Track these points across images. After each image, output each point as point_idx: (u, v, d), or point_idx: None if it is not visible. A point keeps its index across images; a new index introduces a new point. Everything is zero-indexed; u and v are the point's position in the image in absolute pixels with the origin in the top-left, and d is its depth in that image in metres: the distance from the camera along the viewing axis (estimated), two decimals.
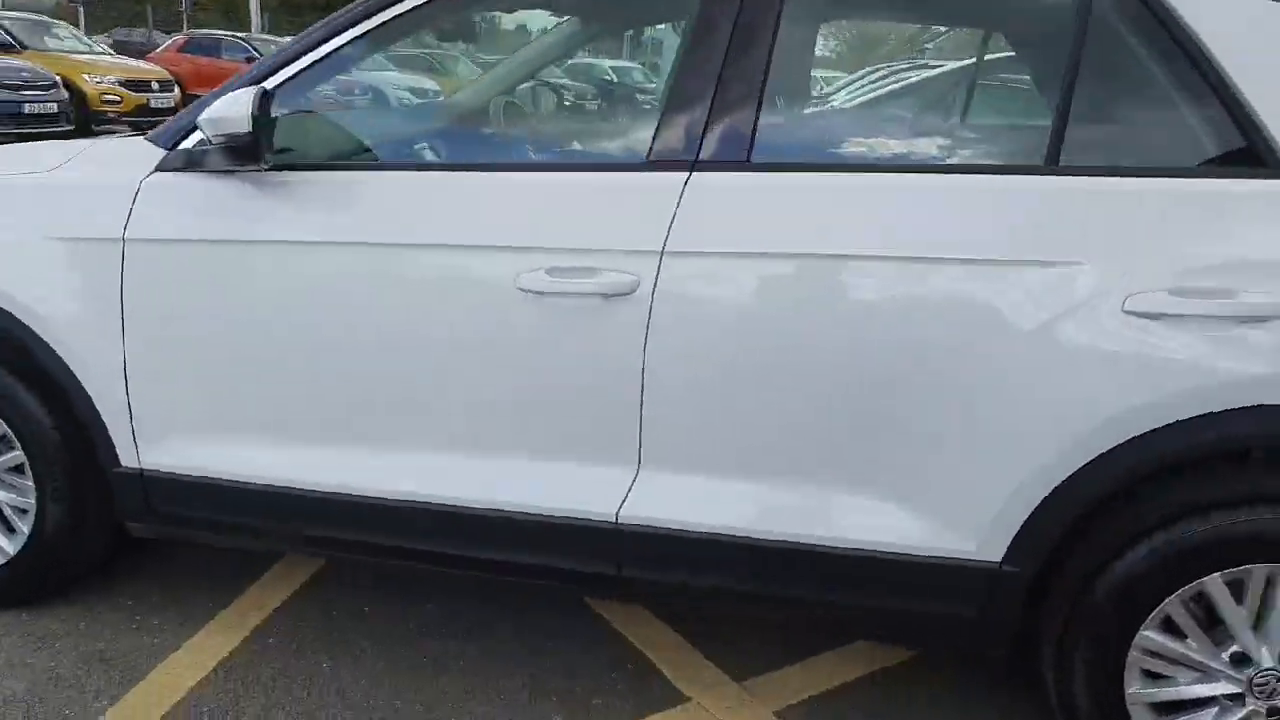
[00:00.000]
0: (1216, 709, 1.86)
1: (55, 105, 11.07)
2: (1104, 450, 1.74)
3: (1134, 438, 1.73)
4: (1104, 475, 1.76)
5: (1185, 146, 1.80)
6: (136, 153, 2.16)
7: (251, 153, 1.96)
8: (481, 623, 2.49)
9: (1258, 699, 1.83)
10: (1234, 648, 1.82)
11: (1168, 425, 1.71)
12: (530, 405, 1.98)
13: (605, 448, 1.96)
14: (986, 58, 2.02)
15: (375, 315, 2.01)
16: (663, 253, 1.86)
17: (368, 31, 2.05)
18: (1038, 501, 1.79)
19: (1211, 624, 1.82)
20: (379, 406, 2.06)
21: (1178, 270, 1.70)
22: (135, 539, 2.40)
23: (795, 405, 1.87)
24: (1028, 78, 1.92)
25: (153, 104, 12.88)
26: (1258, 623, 1.80)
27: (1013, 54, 1.98)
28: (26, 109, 10.74)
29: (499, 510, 2.04)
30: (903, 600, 1.93)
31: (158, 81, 13.44)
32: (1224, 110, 1.74)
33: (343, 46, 2.07)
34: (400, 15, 2.03)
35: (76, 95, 11.84)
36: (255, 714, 2.12)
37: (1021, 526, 1.81)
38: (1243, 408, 1.69)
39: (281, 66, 2.09)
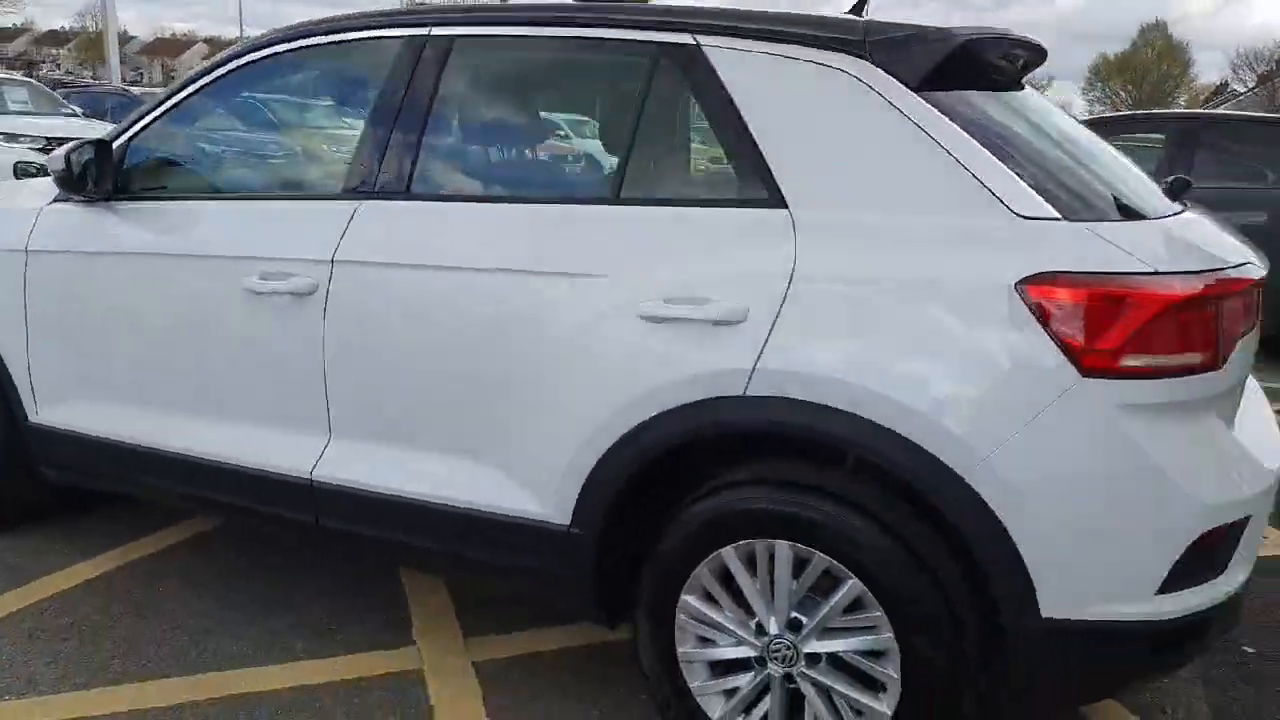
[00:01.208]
0: (752, 671, 2.11)
1: None
2: (625, 431, 2.07)
3: (646, 420, 2.05)
4: (629, 455, 2.08)
5: (719, 188, 2.13)
6: (45, 188, 2.95)
7: (80, 188, 2.68)
8: (307, 573, 3.05)
9: (776, 664, 2.07)
10: (791, 615, 2.05)
11: (668, 411, 2.03)
12: (256, 381, 2.55)
13: (305, 418, 2.49)
14: (585, 114, 2.42)
15: (161, 306, 2.66)
16: (333, 261, 2.38)
17: (188, 95, 2.74)
18: (587, 475, 2.14)
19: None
20: (163, 378, 2.70)
21: (673, 282, 2.03)
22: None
23: (418, 386, 2.33)
24: (612, 128, 2.29)
25: None
26: (770, 593, 2.05)
27: (601, 109, 2.36)
28: None
29: (241, 466, 2.59)
30: (507, 555, 2.31)
31: None
32: (750, 162, 2.06)
33: (174, 106, 2.77)
34: (202, 87, 2.71)
35: None
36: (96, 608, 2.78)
37: (579, 496, 2.16)
38: (723, 397, 1.98)
39: (133, 123, 2.81)
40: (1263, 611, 3.11)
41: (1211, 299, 1.80)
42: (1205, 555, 1.84)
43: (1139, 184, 2.28)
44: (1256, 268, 2.00)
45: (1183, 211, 2.20)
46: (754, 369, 1.94)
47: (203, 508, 2.90)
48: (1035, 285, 1.79)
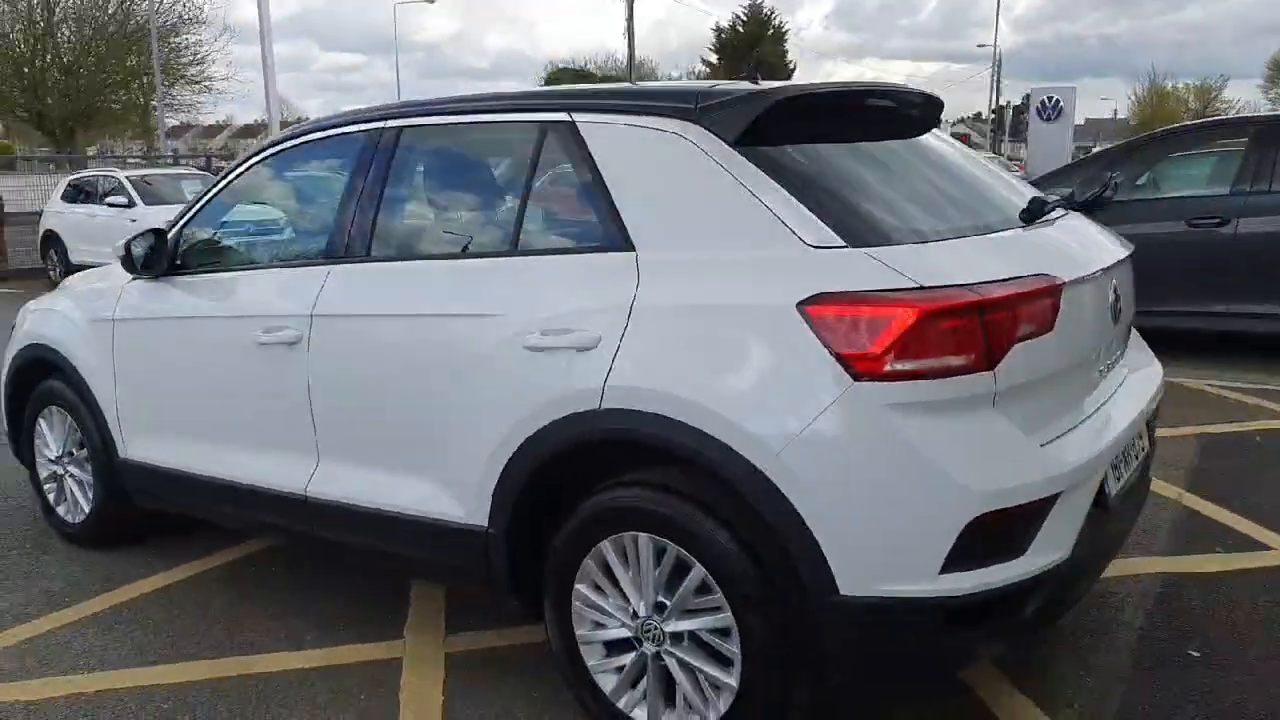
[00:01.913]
0: (634, 651, 2.43)
1: None
2: (520, 444, 2.47)
3: (533, 434, 2.44)
4: (524, 464, 2.47)
5: (587, 237, 2.51)
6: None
7: (150, 267, 3.35)
8: (330, 581, 3.58)
9: (649, 643, 2.39)
10: (657, 599, 2.37)
11: (549, 425, 2.41)
12: (267, 416, 3.10)
13: (301, 445, 3.01)
14: (497, 183, 2.86)
15: (200, 359, 3.27)
16: (311, 316, 2.92)
17: (220, 189, 3.38)
18: (495, 482, 2.54)
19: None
20: (204, 417, 3.30)
21: (545, 316, 2.43)
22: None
23: (374, 412, 2.80)
24: (514, 191, 2.72)
25: None
26: (639, 580, 2.38)
27: (507, 176, 2.78)
28: None
29: (261, 487, 3.14)
30: (444, 555, 2.73)
31: None
32: (607, 214, 2.44)
33: (211, 199, 3.42)
34: (227, 185, 3.34)
35: None
36: (162, 608, 3.39)
37: (491, 501, 2.56)
38: (584, 411, 2.35)
39: (184, 214, 3.48)
40: (1213, 617, 3.14)
41: (975, 308, 2.03)
42: (993, 537, 2.04)
43: (984, 206, 2.52)
44: (1050, 278, 2.20)
45: (1025, 227, 2.43)
46: (604, 387, 2.30)
47: (244, 525, 3.47)
48: (812, 305, 2.08)
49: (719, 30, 54.94)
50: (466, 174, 2.94)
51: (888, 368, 2.02)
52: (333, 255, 2.98)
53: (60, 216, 14.50)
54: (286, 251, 3.30)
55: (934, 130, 2.89)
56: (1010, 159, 39.27)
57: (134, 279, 3.53)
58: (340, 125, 3.10)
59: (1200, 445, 4.95)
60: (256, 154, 3.33)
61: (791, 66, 54.64)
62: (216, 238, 3.45)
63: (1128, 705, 2.66)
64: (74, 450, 3.91)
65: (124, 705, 2.80)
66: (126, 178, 13.84)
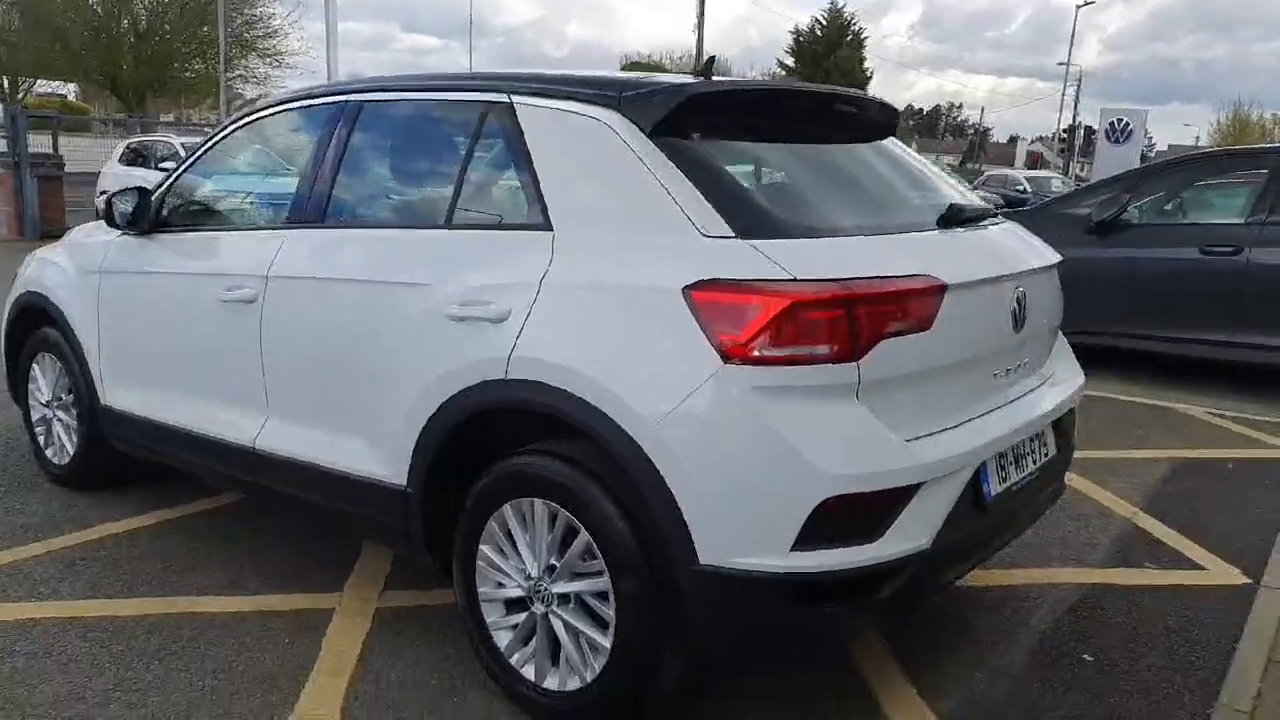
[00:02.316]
0: (527, 610, 2.56)
1: None
2: (435, 408, 2.60)
3: (447, 400, 2.57)
4: (438, 427, 2.61)
5: (513, 215, 2.64)
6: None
7: (134, 224, 3.55)
8: (286, 535, 3.75)
9: (539, 603, 2.51)
10: (549, 561, 2.49)
11: (461, 391, 2.54)
12: (226, 370, 3.27)
13: (252, 399, 3.18)
14: (440, 159, 2.98)
15: (171, 313, 3.46)
16: (267, 277, 3.08)
17: (202, 154, 3.57)
18: (414, 444, 2.68)
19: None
20: (172, 368, 3.49)
21: (466, 288, 2.56)
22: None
23: (316, 372, 2.96)
24: (453, 168, 2.84)
25: None
26: (533, 543, 2.50)
27: (449, 153, 2.90)
28: None
29: (218, 439, 3.32)
30: (370, 511, 2.88)
31: None
32: (533, 194, 2.56)
33: (194, 163, 3.61)
34: (205, 150, 3.53)
35: None
36: (125, 549, 3.59)
37: (410, 461, 2.70)
38: (491, 379, 2.47)
39: (168, 176, 3.67)
40: (1117, 628, 3.19)
41: (842, 302, 2.12)
42: (845, 520, 2.13)
43: (901, 209, 2.61)
44: (931, 279, 2.28)
45: (939, 230, 2.52)
46: (510, 357, 2.43)
47: (202, 474, 3.65)
48: (695, 289, 2.18)
49: (797, 33, 54.88)
50: (415, 149, 3.08)
51: (756, 352, 2.11)
52: (291, 220, 3.15)
53: (116, 179, 15.00)
54: (254, 215, 3.48)
55: (885, 137, 2.97)
56: (1078, 179, 38.73)
57: (121, 234, 3.73)
58: (311, 98, 3.27)
59: (1173, 468, 4.94)
60: (236, 121, 3.52)
61: (868, 74, 54.36)
62: (195, 199, 3.65)
63: (1008, 701, 2.73)
64: (63, 395, 4.13)
65: (63, 633, 2.98)
66: (181, 144, 14.28)
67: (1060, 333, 3.21)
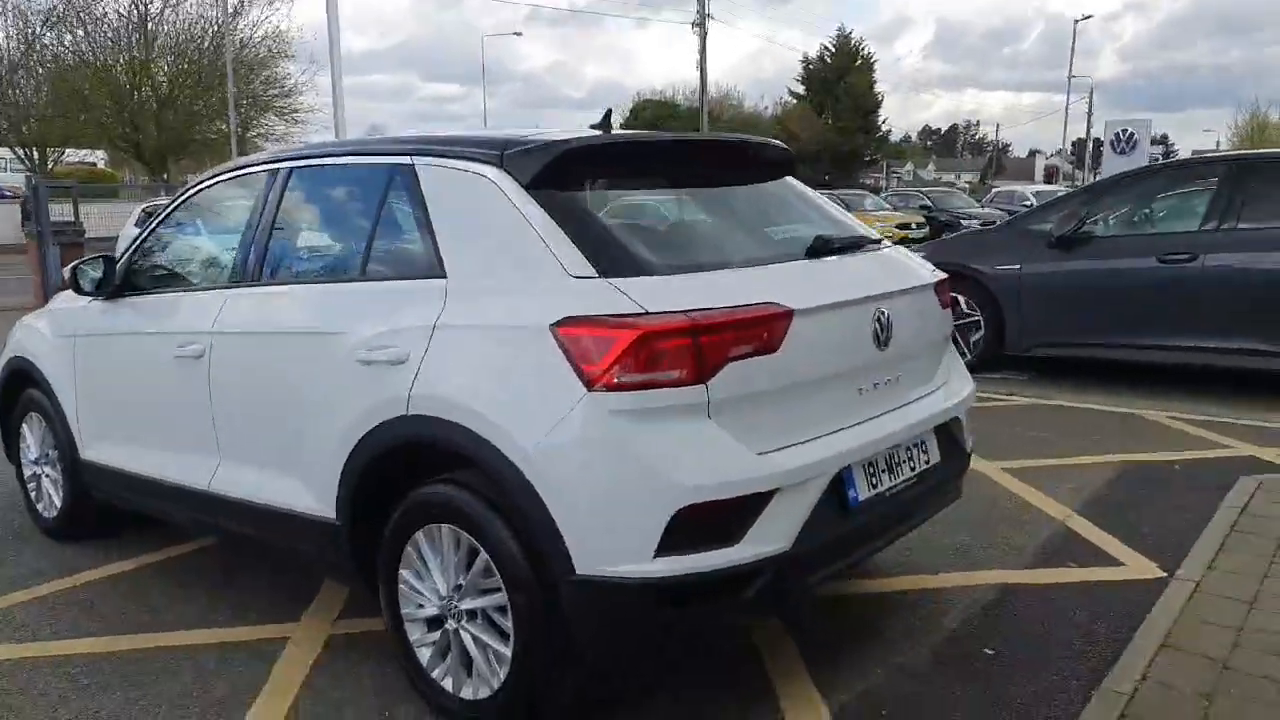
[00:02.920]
0: (442, 628, 2.78)
1: None
2: (354, 446, 2.85)
3: (362, 437, 2.82)
4: (357, 463, 2.86)
5: (414, 265, 2.89)
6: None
7: (101, 290, 3.86)
8: (256, 573, 4.01)
9: (451, 620, 2.74)
10: (457, 581, 2.72)
11: (373, 429, 2.79)
12: (183, 420, 3.55)
13: (206, 445, 3.45)
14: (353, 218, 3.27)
15: (133, 370, 3.76)
16: (212, 332, 3.36)
17: (160, 221, 3.88)
18: (338, 479, 2.93)
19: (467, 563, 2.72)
20: (136, 421, 3.78)
21: (373, 334, 2.82)
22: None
23: (255, 418, 3.23)
24: (366, 224, 3.12)
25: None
26: (442, 565, 2.73)
27: (362, 211, 3.18)
28: None
29: (181, 485, 3.59)
30: (310, 544, 3.12)
31: (914, 223, 22.74)
32: (431, 246, 2.83)
33: (153, 230, 3.92)
34: (171, 211, 3.84)
35: None
36: (104, 592, 3.86)
37: (337, 495, 2.95)
38: (395, 417, 2.72)
39: (132, 242, 3.98)
40: (1024, 623, 3.35)
41: (687, 331, 2.35)
42: (702, 527, 2.34)
43: (769, 243, 2.84)
44: (777, 306, 2.51)
45: (806, 259, 2.77)
46: (409, 396, 2.68)
47: (170, 518, 3.91)
48: (561, 325, 2.43)
49: (806, 62, 55.45)
50: (334, 208, 3.36)
51: (614, 380, 2.35)
52: (233, 279, 3.44)
53: (130, 241, 15.56)
54: (203, 276, 3.77)
55: (773, 176, 3.22)
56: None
57: (92, 300, 4.04)
58: (248, 166, 3.57)
59: (1119, 472, 5.08)
60: (187, 190, 3.84)
61: (879, 98, 54.83)
62: (153, 263, 3.95)
63: (903, 694, 2.90)
64: (49, 452, 4.43)
65: (37, 671, 3.24)
66: None
67: (950, 344, 3.41)
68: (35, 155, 38.15)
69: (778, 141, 3.37)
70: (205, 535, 4.14)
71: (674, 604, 2.37)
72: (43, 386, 4.30)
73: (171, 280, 3.90)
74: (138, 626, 3.57)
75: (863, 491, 2.70)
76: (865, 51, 55.11)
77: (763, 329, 2.47)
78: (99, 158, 46.92)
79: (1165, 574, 3.71)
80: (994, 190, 31.47)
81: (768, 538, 2.42)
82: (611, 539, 2.37)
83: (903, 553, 4.02)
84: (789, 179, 3.35)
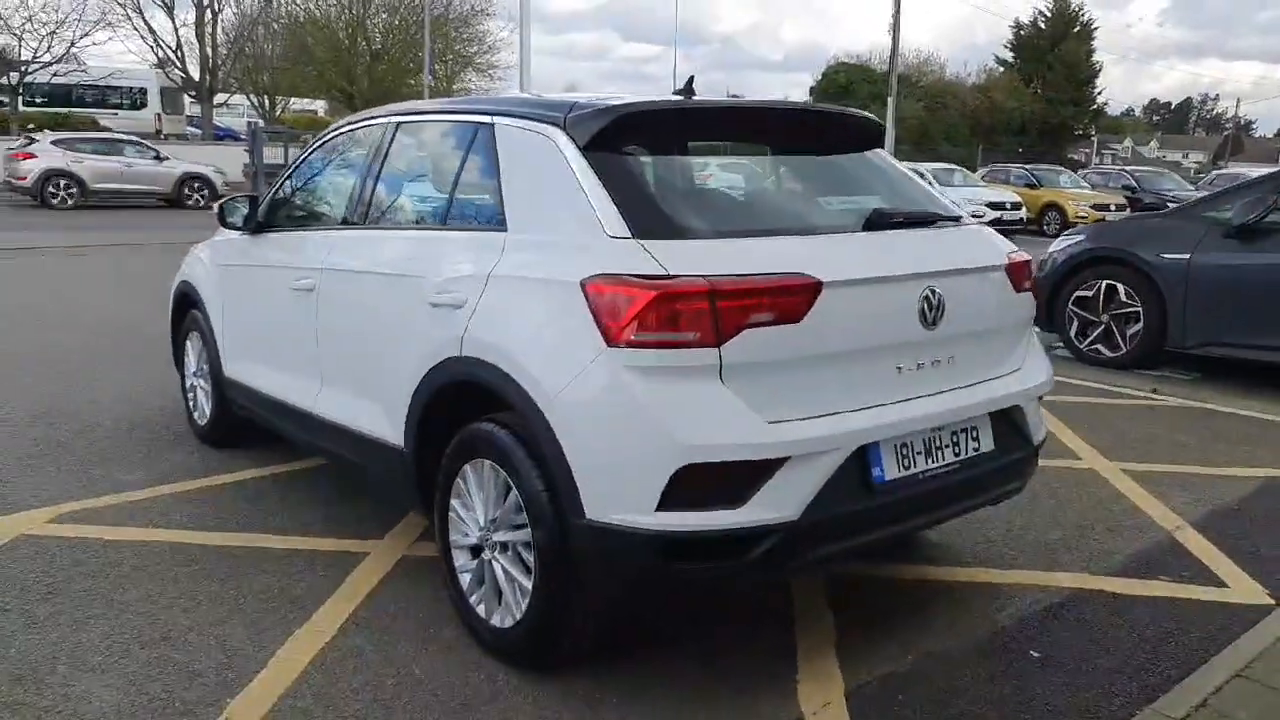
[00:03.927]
0: (480, 557, 2.97)
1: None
2: (420, 379, 3.07)
3: (427, 372, 3.03)
4: (422, 395, 3.08)
5: (484, 217, 3.05)
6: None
7: (243, 225, 4.28)
8: (357, 491, 4.37)
9: (488, 550, 2.92)
10: (493, 514, 2.91)
11: (435, 365, 2.99)
12: (294, 347, 3.91)
13: (312, 370, 3.79)
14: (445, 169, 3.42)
15: (261, 298, 4.15)
16: (321, 269, 3.68)
17: (294, 169, 4.25)
18: (406, 411, 3.16)
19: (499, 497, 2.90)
20: (260, 345, 4.18)
21: (443, 279, 3.01)
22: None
23: (351, 349, 3.52)
24: (451, 177, 3.28)
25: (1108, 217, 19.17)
26: (484, 498, 2.91)
27: (450, 165, 3.33)
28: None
29: (290, 404, 3.97)
30: (385, 468, 3.39)
31: (1114, 204, 21.95)
32: (498, 200, 2.99)
33: (289, 175, 4.29)
34: (302, 160, 4.19)
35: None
36: (235, 494, 4.33)
37: (404, 425, 3.19)
38: (451, 357, 2.91)
39: (273, 186, 4.37)
40: (1082, 630, 3.19)
41: (705, 294, 2.39)
42: (705, 487, 2.40)
43: (823, 214, 2.82)
44: (804, 277, 2.50)
45: (863, 232, 2.78)
46: (463, 337, 2.86)
47: (285, 433, 4.31)
48: (589, 282, 2.52)
49: (1018, 27, 52.28)
50: (429, 162, 3.57)
51: (631, 337, 2.43)
52: (343, 222, 3.74)
53: None
54: (323, 217, 4.10)
55: (846, 146, 3.17)
56: None
57: (239, 234, 4.48)
58: (369, 119, 3.85)
59: (1258, 488, 4.67)
60: (321, 137, 4.19)
61: (1097, 67, 51.13)
62: (285, 205, 4.33)
63: (924, 681, 2.85)
64: (204, 367, 4.97)
65: (160, 553, 3.69)
66: None
67: (1030, 329, 3.26)
68: (267, 103, 41.52)
69: (862, 113, 3.30)
70: (314, 453, 4.53)
71: (674, 558, 2.44)
72: (200, 308, 4.82)
73: (299, 220, 4.26)
74: (250, 526, 3.98)
75: (890, 471, 2.67)
76: (1085, 17, 51.18)
77: (786, 298, 2.47)
78: (320, 106, 50.60)
79: (1273, 602, 3.43)
80: (1215, 172, 28.65)
81: (774, 504, 2.45)
82: (618, 489, 2.46)
83: (980, 544, 3.90)
84: (876, 151, 3.28)
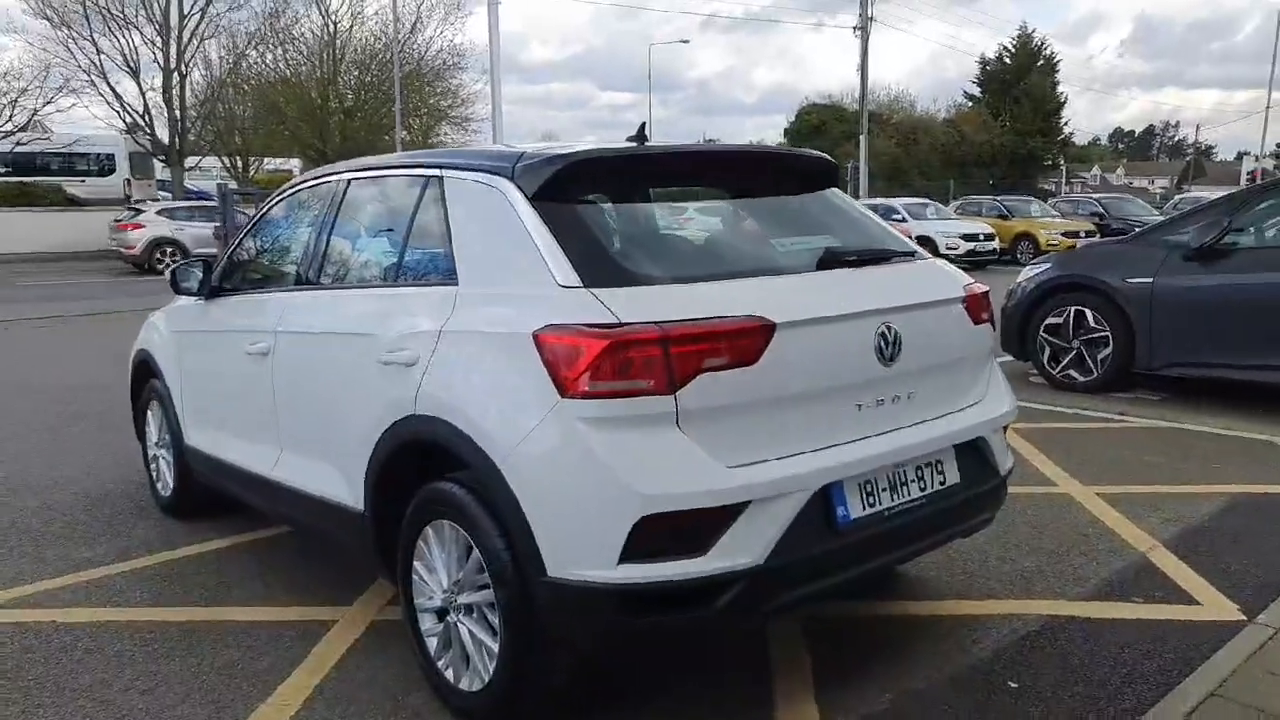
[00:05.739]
0: (445, 620, 2.91)
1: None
2: (375, 441, 3.02)
3: (382, 434, 2.98)
4: (379, 458, 3.02)
5: (435, 272, 3.03)
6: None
7: (201, 292, 4.24)
8: (323, 557, 4.29)
9: (453, 613, 2.86)
10: (457, 575, 2.85)
11: (390, 426, 2.95)
12: (252, 411, 3.85)
13: (270, 435, 3.73)
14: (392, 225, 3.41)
15: (215, 363, 4.10)
16: (275, 331, 3.63)
17: (246, 231, 4.22)
18: (363, 473, 3.11)
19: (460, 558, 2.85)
20: (217, 410, 4.12)
21: (395, 336, 2.97)
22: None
23: (306, 412, 3.47)
24: (399, 232, 3.27)
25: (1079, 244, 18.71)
26: (445, 559, 2.85)
27: (399, 219, 3.32)
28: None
29: (247, 470, 3.90)
30: (346, 532, 3.32)
31: (1083, 231, 22.00)
32: (449, 254, 2.96)
33: (241, 240, 4.26)
34: (255, 222, 4.17)
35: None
36: (197, 566, 4.23)
37: (363, 487, 3.13)
38: (407, 415, 2.87)
39: (228, 251, 4.34)
40: (1058, 657, 3.16)
41: (657, 341, 2.36)
42: (667, 537, 2.35)
43: (773, 254, 2.82)
44: (757, 319, 2.48)
45: (814, 272, 2.78)
46: (417, 396, 2.82)
47: (245, 501, 4.23)
48: (541, 333, 2.49)
49: (984, 62, 53.43)
50: (379, 218, 3.55)
51: (585, 388, 2.39)
52: (296, 283, 3.71)
53: None
54: (277, 279, 4.06)
55: (798, 187, 3.18)
56: None
57: (193, 300, 4.43)
58: (315, 179, 3.84)
59: (1228, 504, 4.67)
60: (269, 202, 4.16)
61: (1062, 99, 52.18)
62: (241, 266, 4.29)
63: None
64: (165, 436, 4.88)
65: (116, 633, 3.58)
66: None
67: (992, 359, 3.26)
68: (239, 164, 41.56)
69: (816, 153, 3.32)
70: (275, 519, 4.45)
71: (640, 611, 2.39)
72: (159, 377, 4.75)
73: (254, 281, 4.23)
74: (213, 599, 3.89)
75: (855, 510, 2.64)
76: (1047, 51, 52.41)
77: (739, 341, 2.46)
78: (295, 165, 50.75)
79: (1244, 618, 3.41)
80: (1179, 196, 29.16)
81: (737, 551, 2.41)
82: (578, 544, 2.42)
83: (958, 576, 3.86)
84: (830, 190, 3.29)
